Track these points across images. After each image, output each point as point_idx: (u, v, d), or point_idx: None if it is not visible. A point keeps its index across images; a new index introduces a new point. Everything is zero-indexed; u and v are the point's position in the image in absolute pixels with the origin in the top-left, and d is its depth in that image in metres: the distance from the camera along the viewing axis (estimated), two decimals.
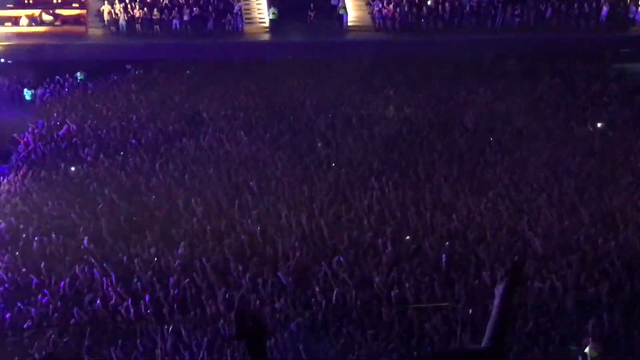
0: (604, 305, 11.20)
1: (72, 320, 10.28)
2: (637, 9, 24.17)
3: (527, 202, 13.96)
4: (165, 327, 9.66)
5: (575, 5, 24.20)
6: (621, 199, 14.05)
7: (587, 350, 10.81)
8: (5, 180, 15.63)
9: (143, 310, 10.36)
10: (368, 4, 24.97)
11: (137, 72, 22.09)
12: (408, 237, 12.19)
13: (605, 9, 23.87)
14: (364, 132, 16.87)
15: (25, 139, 17.87)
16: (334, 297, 10.25)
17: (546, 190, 14.34)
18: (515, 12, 23.75)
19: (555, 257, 12.32)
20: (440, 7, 23.95)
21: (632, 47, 23.67)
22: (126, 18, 22.79)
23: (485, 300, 9.05)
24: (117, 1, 23.15)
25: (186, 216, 13.02)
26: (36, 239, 12.31)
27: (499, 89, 19.69)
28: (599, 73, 21.64)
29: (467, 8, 23.91)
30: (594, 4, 24.08)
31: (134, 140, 17.00)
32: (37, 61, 22.14)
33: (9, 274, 11.31)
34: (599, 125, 18.00)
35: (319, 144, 16.35)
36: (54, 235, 12.45)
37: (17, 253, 11.93)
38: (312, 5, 24.47)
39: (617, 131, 17.48)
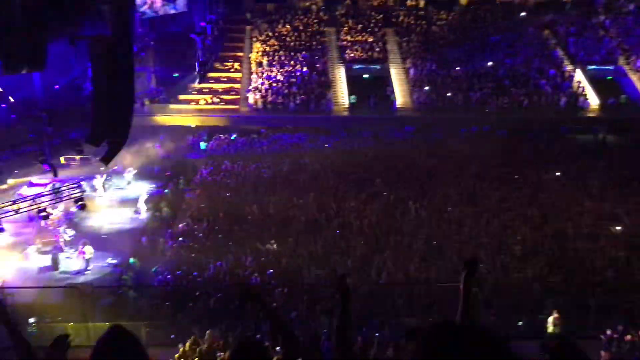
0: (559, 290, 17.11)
1: None
2: (585, 99, 35.92)
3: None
4: None
5: (542, 97, 35.76)
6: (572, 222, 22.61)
7: (550, 318, 15.03)
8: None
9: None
10: (411, 93, 37.25)
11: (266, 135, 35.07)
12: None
13: (563, 99, 35.57)
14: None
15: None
16: None
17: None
18: (505, 102, 35.75)
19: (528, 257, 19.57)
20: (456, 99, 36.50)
21: (582, 124, 35.83)
22: (262, 102, 35.78)
23: None
24: (258, 91, 36.06)
25: None
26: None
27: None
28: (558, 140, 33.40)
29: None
30: (555, 97, 35.78)
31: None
32: (209, 126, 35.34)
33: None
34: (557, 173, 29.29)
35: None
36: None
37: None
38: (375, 94, 36.34)
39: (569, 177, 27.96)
